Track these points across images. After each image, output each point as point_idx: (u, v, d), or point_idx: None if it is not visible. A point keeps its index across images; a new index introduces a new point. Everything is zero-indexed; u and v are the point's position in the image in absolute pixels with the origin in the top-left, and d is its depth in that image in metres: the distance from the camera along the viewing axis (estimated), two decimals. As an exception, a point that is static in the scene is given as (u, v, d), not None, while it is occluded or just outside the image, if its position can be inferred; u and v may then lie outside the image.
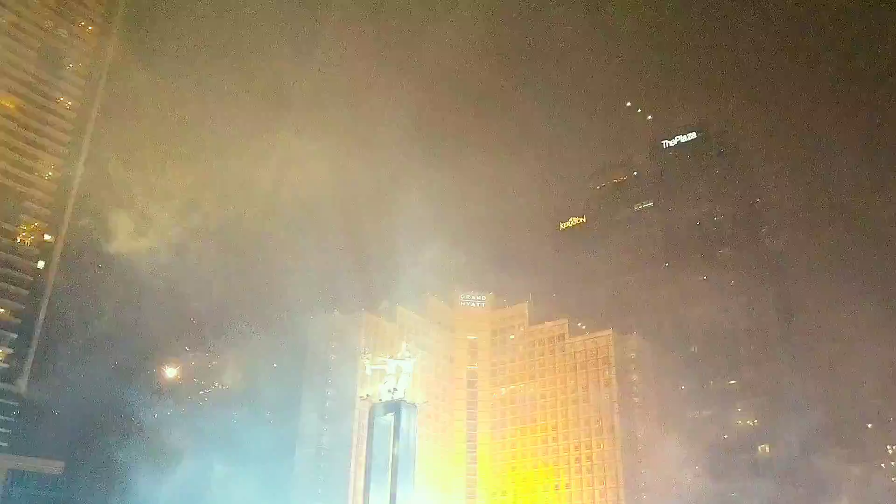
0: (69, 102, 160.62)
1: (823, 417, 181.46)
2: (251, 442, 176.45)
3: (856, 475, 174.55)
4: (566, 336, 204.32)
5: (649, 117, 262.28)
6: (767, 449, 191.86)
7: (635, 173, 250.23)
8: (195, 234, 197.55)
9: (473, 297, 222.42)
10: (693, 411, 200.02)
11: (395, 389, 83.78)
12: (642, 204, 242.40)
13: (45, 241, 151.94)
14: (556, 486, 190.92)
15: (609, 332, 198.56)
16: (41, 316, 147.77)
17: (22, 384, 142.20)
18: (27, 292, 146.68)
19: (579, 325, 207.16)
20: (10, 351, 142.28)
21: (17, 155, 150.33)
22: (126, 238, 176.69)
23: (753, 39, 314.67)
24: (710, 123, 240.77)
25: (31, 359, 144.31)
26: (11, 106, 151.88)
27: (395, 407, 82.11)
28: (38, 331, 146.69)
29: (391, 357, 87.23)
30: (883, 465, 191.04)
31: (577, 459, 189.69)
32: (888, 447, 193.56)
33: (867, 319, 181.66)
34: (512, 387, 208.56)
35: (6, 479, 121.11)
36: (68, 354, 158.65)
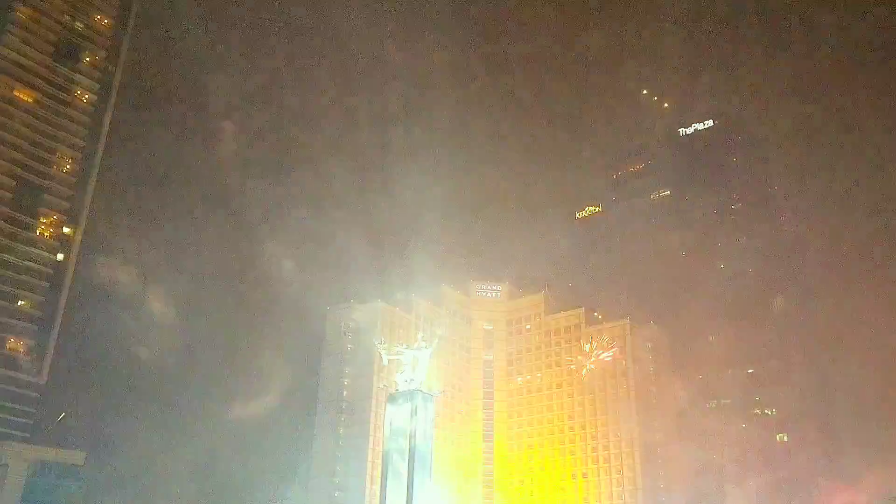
0: (86, 96, 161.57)
1: (844, 406, 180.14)
2: (269, 432, 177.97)
3: (878, 464, 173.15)
4: (582, 326, 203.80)
5: (666, 105, 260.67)
6: (786, 438, 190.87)
7: (652, 162, 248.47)
8: (213, 225, 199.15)
9: (489, 287, 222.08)
10: (710, 400, 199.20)
11: (411, 379, 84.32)
12: (659, 192, 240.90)
13: (64, 234, 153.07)
14: (573, 474, 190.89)
15: (625, 321, 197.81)
16: (61, 308, 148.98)
17: (43, 375, 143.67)
18: (47, 285, 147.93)
19: (595, 314, 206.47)
20: (30, 342, 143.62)
21: (35, 148, 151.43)
22: (144, 230, 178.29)
23: (772, 27, 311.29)
24: (727, 111, 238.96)
25: (51, 350, 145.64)
26: (29, 100, 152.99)
27: (411, 396, 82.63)
28: (58, 322, 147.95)
29: (407, 347, 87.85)
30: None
31: (594, 448, 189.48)
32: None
33: (887, 304, 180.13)
34: (528, 376, 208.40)
35: (28, 470, 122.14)
36: (88, 345, 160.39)
